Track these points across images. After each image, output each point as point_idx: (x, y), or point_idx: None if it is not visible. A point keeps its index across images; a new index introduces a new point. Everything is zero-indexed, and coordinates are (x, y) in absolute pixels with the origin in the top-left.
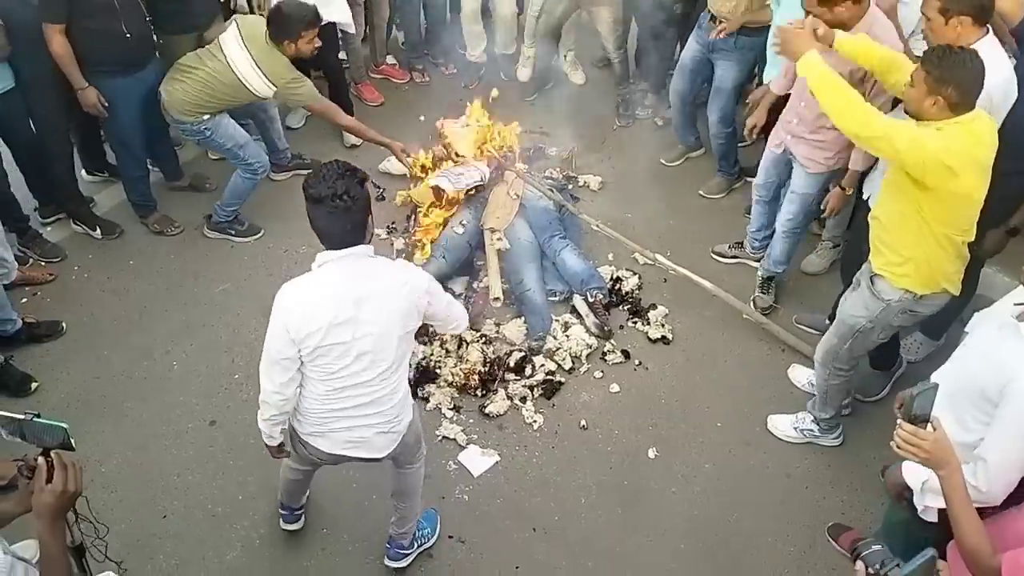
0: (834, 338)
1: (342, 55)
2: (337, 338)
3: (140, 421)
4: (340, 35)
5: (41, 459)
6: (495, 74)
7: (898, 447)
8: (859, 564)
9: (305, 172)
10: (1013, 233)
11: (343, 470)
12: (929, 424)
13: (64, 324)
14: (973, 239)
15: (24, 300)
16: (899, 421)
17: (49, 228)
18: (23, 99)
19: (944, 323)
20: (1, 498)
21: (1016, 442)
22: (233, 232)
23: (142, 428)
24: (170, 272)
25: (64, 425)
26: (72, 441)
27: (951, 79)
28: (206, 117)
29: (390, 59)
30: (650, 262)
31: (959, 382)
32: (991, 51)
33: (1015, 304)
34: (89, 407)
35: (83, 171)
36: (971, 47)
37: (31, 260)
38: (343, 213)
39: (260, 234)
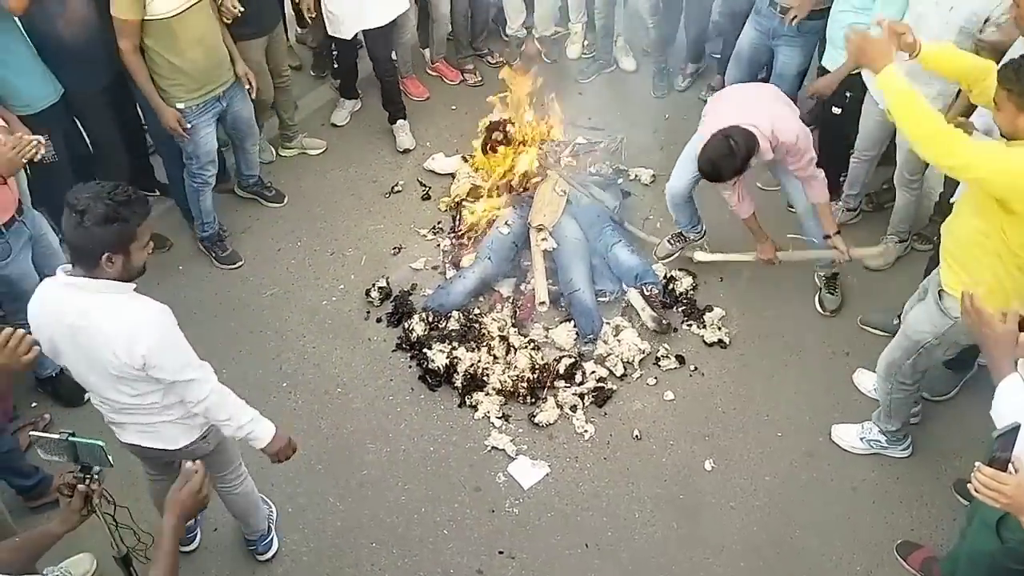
0: (897, 351)
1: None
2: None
3: None
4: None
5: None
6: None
7: (976, 491)
8: None
9: (265, 200)
10: None
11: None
12: (1011, 465)
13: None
14: None
15: None
16: (977, 464)
17: None
18: (68, 113)
19: None
20: (46, 521)
21: None
22: (213, 256)
23: None
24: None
25: (101, 443)
26: (110, 458)
27: None
28: (180, 106)
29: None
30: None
31: None
32: None
33: None
34: None
35: None
36: None
37: None
38: (74, 228)
39: (238, 264)
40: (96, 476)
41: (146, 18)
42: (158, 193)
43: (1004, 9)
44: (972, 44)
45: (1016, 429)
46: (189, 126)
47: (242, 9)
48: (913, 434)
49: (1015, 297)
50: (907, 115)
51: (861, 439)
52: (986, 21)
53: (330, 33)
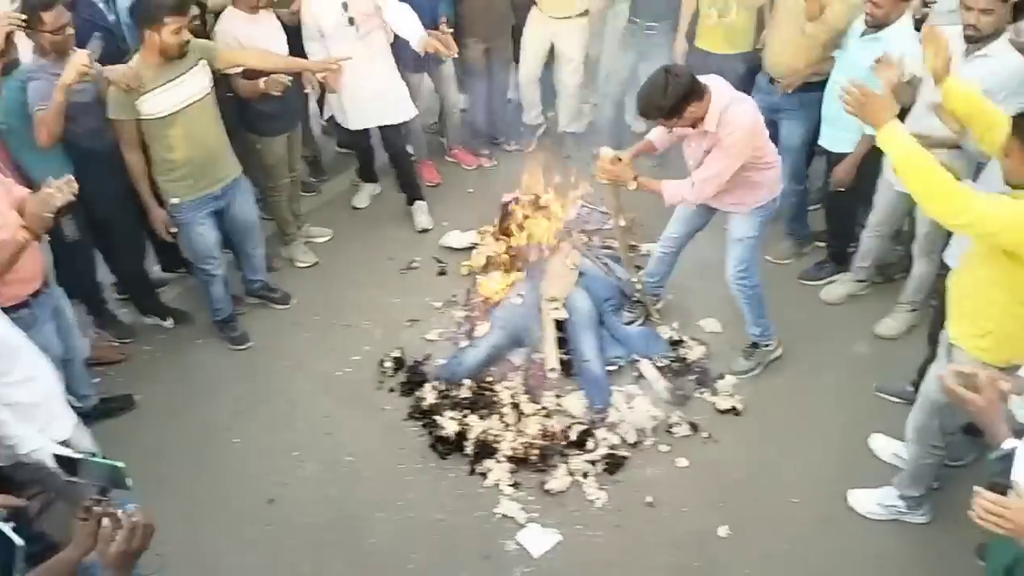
0: (920, 415)
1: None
2: None
3: (198, 500)
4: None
5: (107, 520)
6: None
7: (980, 518)
8: None
9: (273, 303)
10: None
11: None
12: (1011, 491)
13: (136, 397)
14: None
15: (96, 380)
16: (976, 489)
17: (124, 310)
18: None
19: None
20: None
21: None
22: (224, 336)
23: (199, 507)
24: (235, 349)
25: (120, 464)
26: (128, 481)
27: None
28: (175, 201)
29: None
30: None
31: None
32: None
33: None
34: (147, 484)
35: (158, 267)
36: None
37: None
38: None
39: (247, 345)
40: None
41: (140, 118)
42: (184, 270)
43: None
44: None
45: (1013, 453)
46: (183, 221)
47: (288, 83)
48: (932, 500)
49: (1022, 344)
50: (914, 173)
51: (879, 504)
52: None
53: (337, 121)
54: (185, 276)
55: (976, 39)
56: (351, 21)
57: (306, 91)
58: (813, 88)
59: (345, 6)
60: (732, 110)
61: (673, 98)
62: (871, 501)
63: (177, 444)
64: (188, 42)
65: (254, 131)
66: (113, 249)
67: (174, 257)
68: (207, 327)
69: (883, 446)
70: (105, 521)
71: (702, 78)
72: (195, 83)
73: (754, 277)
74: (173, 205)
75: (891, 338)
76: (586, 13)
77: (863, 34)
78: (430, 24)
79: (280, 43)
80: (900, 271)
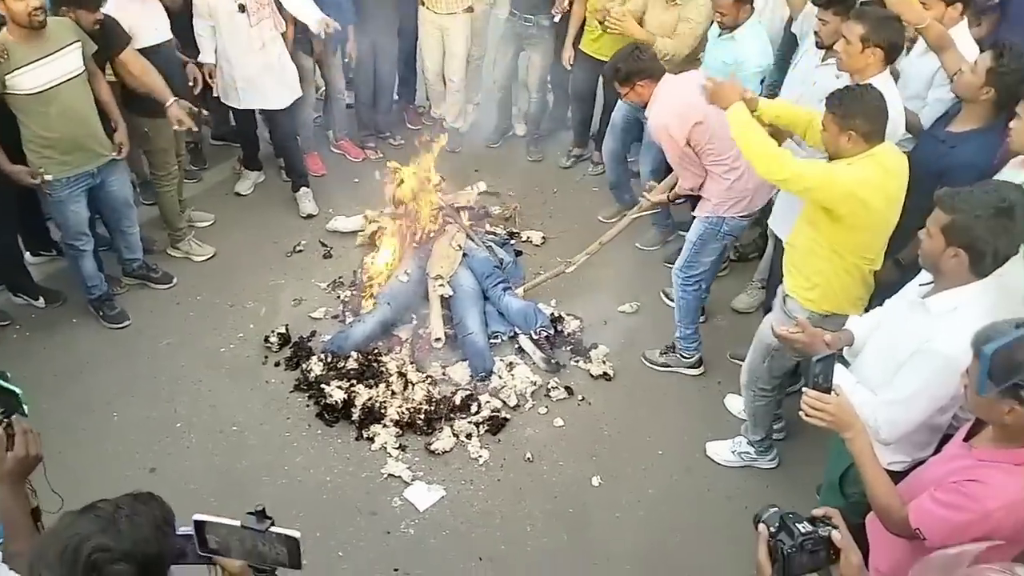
0: (753, 355)
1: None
2: None
3: (77, 471)
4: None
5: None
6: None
7: (806, 414)
8: (761, 527)
9: (153, 283)
10: (899, 266)
11: None
12: (832, 391)
13: (8, 375)
14: (879, 267)
15: None
16: (803, 389)
17: None
18: None
19: None
20: None
21: (918, 393)
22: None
23: (79, 477)
24: (113, 328)
25: (17, 390)
26: (25, 407)
27: (856, 111)
28: (49, 178)
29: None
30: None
31: (878, 355)
32: (885, 86)
33: (920, 285)
34: None
35: (27, 253)
36: (866, 82)
37: None
38: None
39: (125, 324)
40: (10, 422)
41: (9, 92)
42: (54, 253)
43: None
44: None
45: (833, 357)
46: (58, 198)
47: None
48: (780, 448)
49: (843, 295)
50: (747, 139)
51: (732, 452)
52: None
53: (222, 100)
54: (54, 259)
55: (825, 46)
56: (242, 8)
57: (189, 83)
58: None
59: None
60: (657, 104)
61: (627, 68)
62: (725, 450)
63: (54, 420)
64: (37, 9)
65: (144, 113)
66: None
67: (42, 239)
68: (83, 307)
69: (736, 404)
70: None
71: (687, 73)
72: (69, 62)
73: (691, 282)
74: (47, 182)
75: (746, 312)
76: (471, 9)
77: (719, 35)
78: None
79: (164, 24)
80: (754, 251)
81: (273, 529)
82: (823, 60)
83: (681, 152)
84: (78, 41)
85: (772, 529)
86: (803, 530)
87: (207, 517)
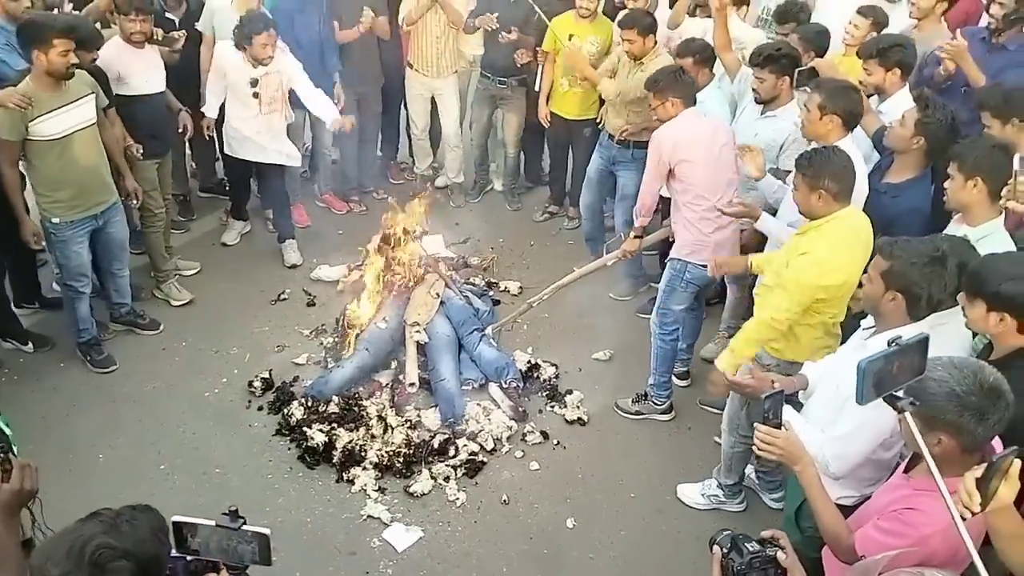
0: (732, 406)
1: None
2: None
3: (63, 509)
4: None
5: None
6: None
7: (758, 448)
8: (715, 548)
9: (140, 329)
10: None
11: None
12: (782, 427)
13: None
14: (842, 318)
15: None
16: (755, 424)
17: None
18: None
19: None
20: None
21: (861, 426)
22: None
23: (65, 515)
24: (99, 373)
25: (7, 431)
26: (14, 449)
27: (824, 172)
28: (55, 220)
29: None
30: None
31: (824, 396)
32: (848, 150)
33: (863, 328)
34: None
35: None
36: (834, 144)
37: None
38: None
39: (111, 369)
40: (7, 456)
41: (29, 139)
42: (37, 306)
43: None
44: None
45: (781, 393)
46: (61, 239)
47: (140, 157)
48: (746, 494)
49: (809, 347)
50: (745, 347)
51: (702, 495)
52: (781, 147)
53: (225, 152)
54: (37, 311)
55: (763, 101)
56: (255, 95)
57: (179, 130)
58: (642, 145)
59: (255, 82)
60: (670, 124)
61: (666, 83)
62: (695, 492)
63: (41, 460)
64: (75, 64)
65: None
66: None
67: (29, 291)
68: (70, 352)
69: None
70: None
71: (715, 120)
72: (84, 111)
73: (667, 330)
74: (53, 224)
75: (713, 360)
76: (457, 72)
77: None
78: (319, 69)
79: (159, 77)
80: (714, 295)
81: (245, 527)
82: (762, 113)
83: (657, 172)
84: (93, 93)
85: (724, 549)
86: (752, 549)
87: (185, 518)
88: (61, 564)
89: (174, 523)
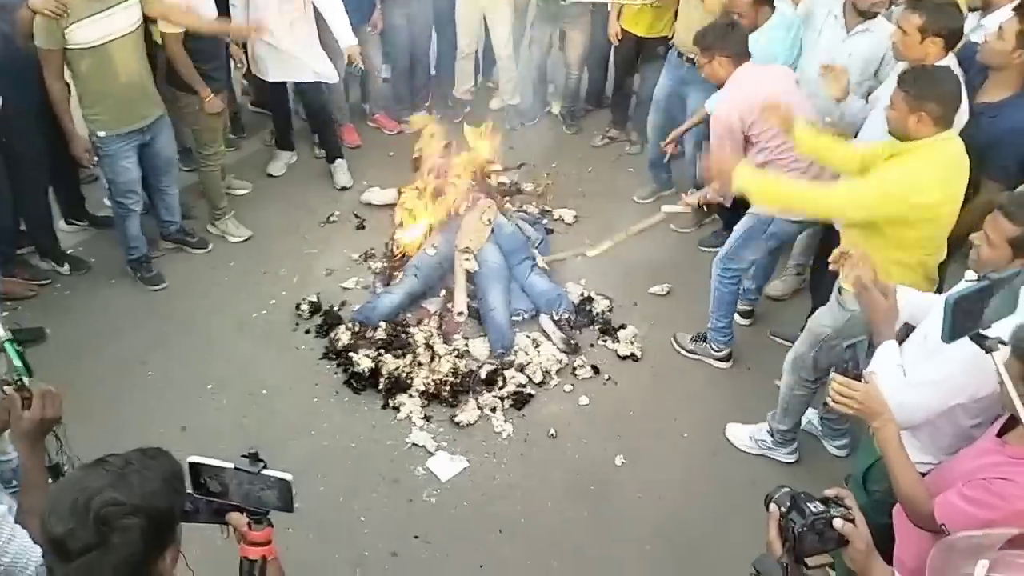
0: (802, 346)
1: None
2: None
3: (110, 425)
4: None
5: (10, 389)
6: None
7: (834, 401)
8: (772, 507)
9: (190, 247)
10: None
11: None
12: (863, 378)
13: (47, 330)
14: (943, 258)
15: (4, 313)
16: (832, 374)
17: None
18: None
19: None
20: None
21: (938, 384)
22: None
23: (114, 430)
24: (148, 292)
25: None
26: (26, 378)
27: (930, 95)
28: (102, 134)
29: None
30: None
31: (915, 343)
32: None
33: (967, 281)
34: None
35: (61, 220)
36: (943, 65)
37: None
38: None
39: (161, 286)
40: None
41: (68, 47)
42: (87, 223)
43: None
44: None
45: (864, 343)
46: (108, 154)
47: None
48: (799, 445)
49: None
50: (773, 199)
51: (751, 438)
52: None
53: (253, 72)
54: (87, 228)
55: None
56: None
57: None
58: None
59: None
60: (734, 89)
61: (712, 39)
62: (744, 434)
63: (90, 375)
64: None
65: (192, 91)
66: (18, 179)
67: (77, 208)
68: (121, 269)
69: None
70: (10, 391)
71: (771, 67)
72: (125, 17)
73: (729, 275)
74: (100, 137)
75: (780, 299)
76: None
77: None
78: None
79: (209, 4)
80: None
81: (265, 472)
82: (850, 31)
83: (730, 147)
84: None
85: (783, 509)
86: (815, 510)
87: (202, 459)
88: (65, 520)
89: (191, 464)
